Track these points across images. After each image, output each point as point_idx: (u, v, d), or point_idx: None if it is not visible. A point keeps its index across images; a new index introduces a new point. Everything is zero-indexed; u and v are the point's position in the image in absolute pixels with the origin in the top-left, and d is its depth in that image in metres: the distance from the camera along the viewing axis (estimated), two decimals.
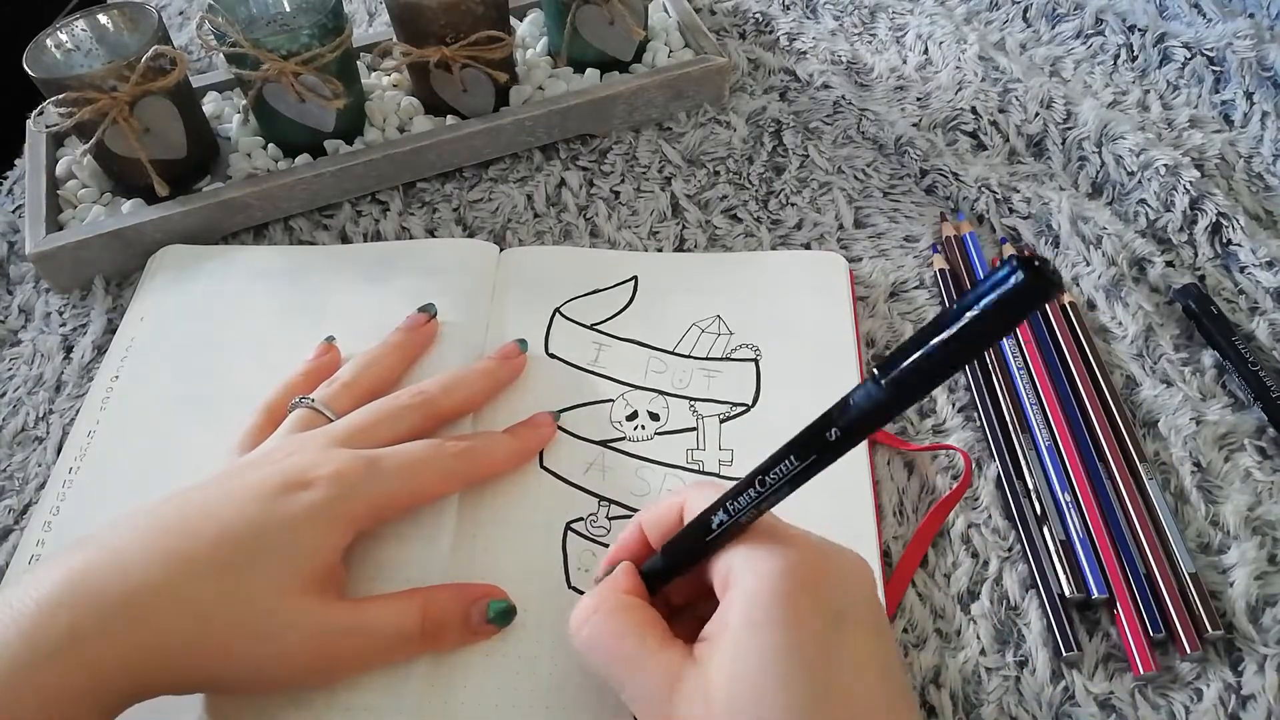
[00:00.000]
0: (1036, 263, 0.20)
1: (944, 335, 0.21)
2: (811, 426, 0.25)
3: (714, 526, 0.29)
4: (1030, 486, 0.40)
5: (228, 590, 0.31)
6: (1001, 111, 0.57)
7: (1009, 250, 0.49)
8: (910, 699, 0.29)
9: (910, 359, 0.22)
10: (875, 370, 0.23)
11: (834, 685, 0.26)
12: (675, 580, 0.32)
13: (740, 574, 0.28)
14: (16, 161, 0.59)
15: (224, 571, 0.31)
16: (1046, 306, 0.46)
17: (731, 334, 0.46)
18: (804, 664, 0.26)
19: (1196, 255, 0.49)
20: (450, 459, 0.37)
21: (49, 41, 0.51)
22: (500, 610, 0.35)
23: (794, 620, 0.27)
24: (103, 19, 0.52)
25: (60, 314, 0.51)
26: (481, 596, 0.35)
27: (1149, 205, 0.51)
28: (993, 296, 0.20)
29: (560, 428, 0.42)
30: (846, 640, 0.27)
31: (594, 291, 0.48)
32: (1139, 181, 0.52)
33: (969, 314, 0.21)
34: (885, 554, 0.38)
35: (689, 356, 0.45)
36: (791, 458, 0.26)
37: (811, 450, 0.25)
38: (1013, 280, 0.20)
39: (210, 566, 0.31)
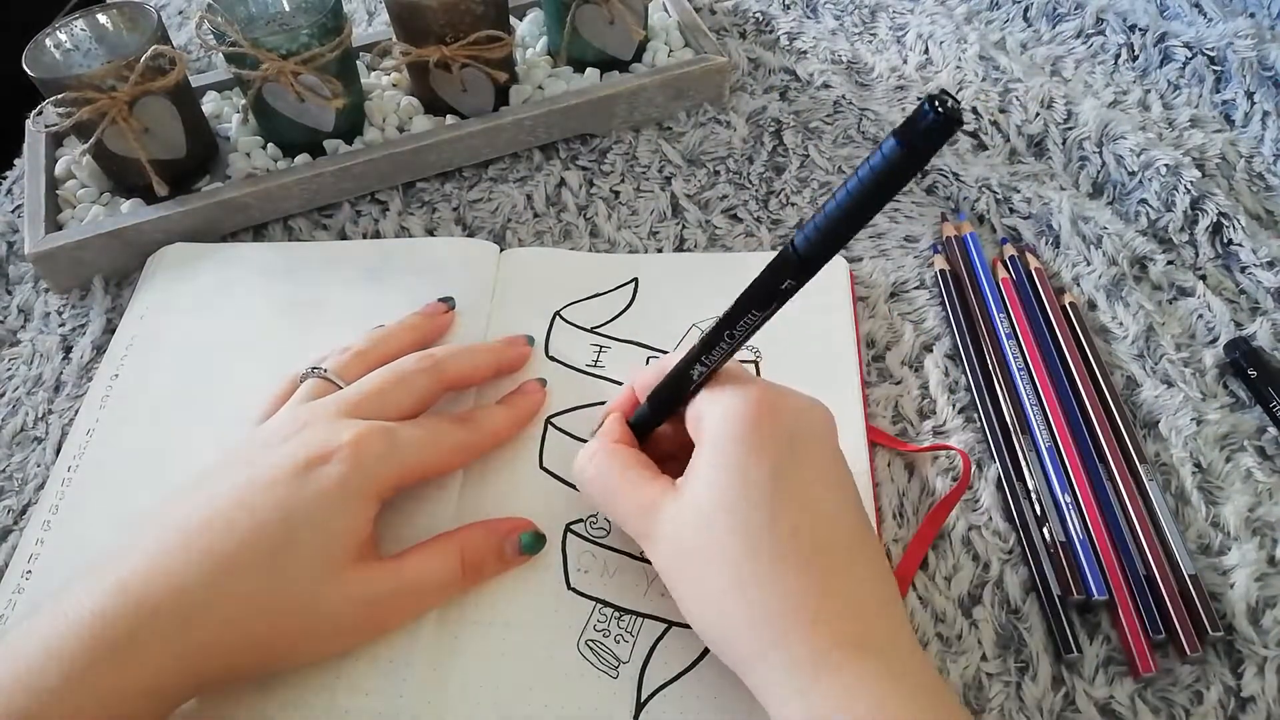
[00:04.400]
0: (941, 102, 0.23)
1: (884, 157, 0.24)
2: (764, 281, 0.30)
3: (694, 377, 0.33)
4: (1030, 488, 0.40)
5: (272, 582, 0.31)
6: (1002, 111, 0.57)
7: (1010, 250, 0.49)
8: (858, 508, 0.32)
9: (848, 187, 0.26)
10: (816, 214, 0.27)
11: (794, 490, 0.30)
12: (661, 433, 0.37)
13: (709, 411, 0.33)
14: (16, 161, 0.59)
15: (263, 564, 0.31)
16: (1047, 306, 0.46)
17: None
18: (768, 473, 0.30)
19: (1197, 255, 0.49)
20: (460, 429, 0.38)
21: (48, 41, 0.51)
22: (530, 540, 0.37)
23: (757, 440, 0.31)
24: (102, 19, 0.52)
25: (59, 314, 0.51)
26: (511, 530, 0.37)
27: (1150, 205, 0.51)
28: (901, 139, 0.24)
29: (560, 429, 0.42)
30: (803, 457, 0.31)
31: (594, 295, 0.48)
32: (1140, 181, 0.52)
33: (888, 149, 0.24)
34: (886, 556, 0.38)
35: None
36: (754, 312, 0.30)
37: (770, 301, 0.30)
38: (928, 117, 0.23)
39: (251, 561, 0.31)
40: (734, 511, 0.30)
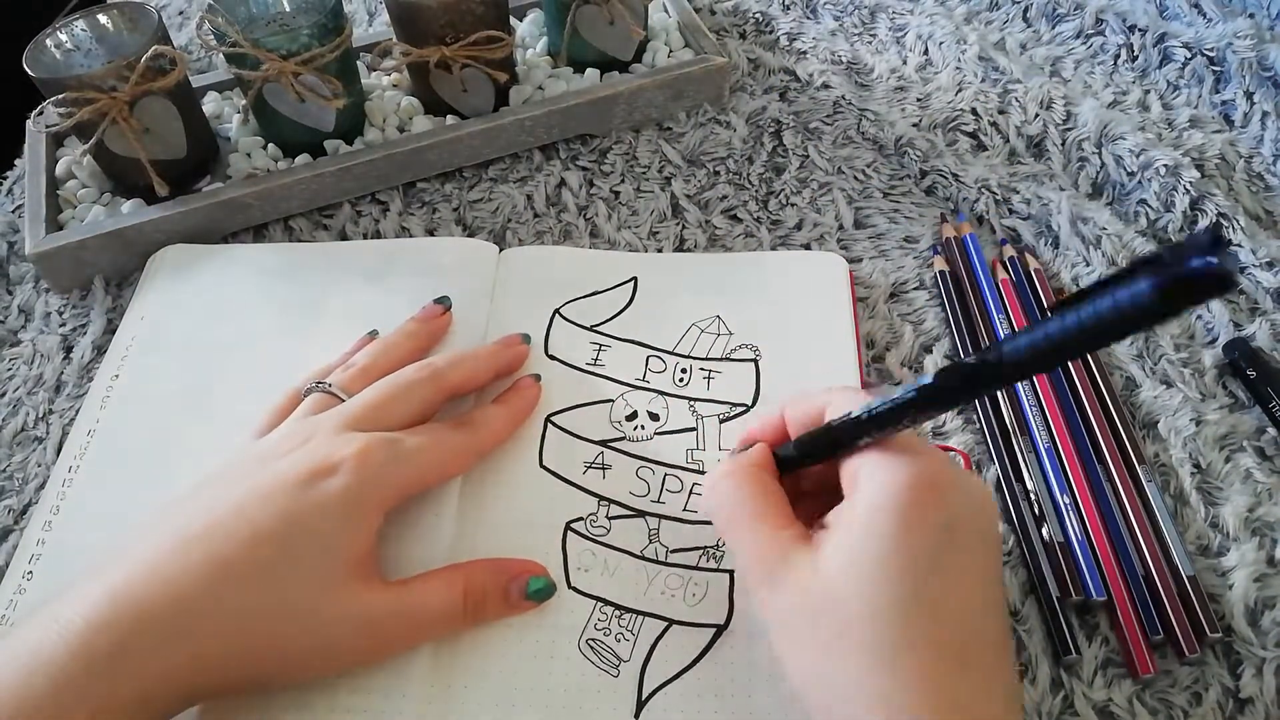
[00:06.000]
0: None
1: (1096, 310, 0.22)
2: (958, 380, 0.27)
3: (857, 444, 0.31)
4: (1029, 489, 0.40)
5: (269, 592, 0.31)
6: (1001, 112, 0.57)
7: (1009, 251, 0.49)
8: (1003, 612, 0.31)
9: (1080, 316, 0.22)
10: (1049, 309, 0.24)
11: (937, 588, 0.28)
12: (807, 470, 0.34)
13: (867, 478, 0.30)
14: (16, 161, 0.59)
15: (263, 573, 0.31)
16: (1046, 307, 0.46)
17: (731, 334, 0.46)
18: (919, 557, 0.28)
19: None
20: (460, 433, 0.38)
21: (49, 41, 0.51)
22: (539, 588, 0.36)
23: (915, 519, 0.29)
24: (103, 19, 0.52)
25: (60, 314, 0.51)
26: (520, 573, 0.36)
27: (1149, 205, 0.51)
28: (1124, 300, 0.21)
29: (560, 427, 0.42)
30: (959, 547, 0.29)
31: (594, 293, 0.48)
32: (1139, 182, 0.52)
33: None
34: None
35: (689, 356, 0.45)
36: (940, 406, 0.28)
37: (960, 401, 0.28)
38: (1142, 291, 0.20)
39: (249, 570, 0.31)
40: (874, 588, 0.28)
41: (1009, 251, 0.49)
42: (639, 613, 0.37)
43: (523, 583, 0.36)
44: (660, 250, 0.51)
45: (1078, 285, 0.48)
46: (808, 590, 0.29)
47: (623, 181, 0.55)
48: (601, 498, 0.40)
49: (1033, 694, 0.35)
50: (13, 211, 0.56)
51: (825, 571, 0.29)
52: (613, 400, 0.43)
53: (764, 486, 0.33)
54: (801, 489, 0.35)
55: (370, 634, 0.33)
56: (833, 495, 0.32)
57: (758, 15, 0.67)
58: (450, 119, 0.56)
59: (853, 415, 0.31)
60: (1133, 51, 0.62)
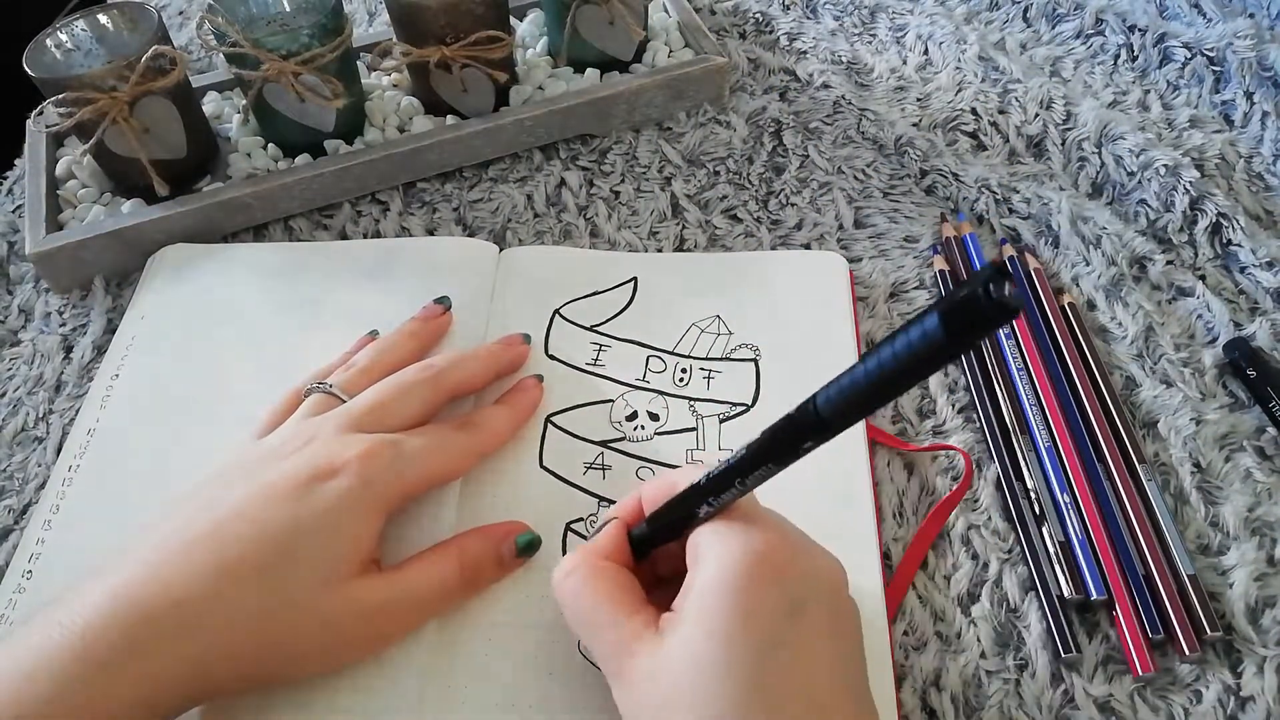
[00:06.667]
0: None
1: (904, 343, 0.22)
2: (783, 435, 0.26)
3: (699, 514, 0.30)
4: (1030, 488, 0.40)
5: (271, 593, 0.31)
6: (1001, 112, 0.57)
7: (1009, 251, 0.49)
8: (868, 701, 0.29)
9: (880, 358, 0.22)
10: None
11: (778, 676, 0.27)
12: (664, 551, 0.33)
13: (705, 554, 0.29)
14: (16, 161, 0.59)
15: (265, 575, 0.31)
16: (1046, 306, 0.46)
17: (731, 334, 0.46)
18: (750, 652, 0.27)
19: (1197, 255, 0.49)
20: (462, 434, 0.38)
21: (49, 41, 0.51)
22: (526, 542, 0.37)
23: (747, 609, 0.27)
24: (103, 19, 0.52)
25: (60, 314, 0.51)
26: (507, 535, 0.37)
27: (1149, 205, 0.51)
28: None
29: (560, 428, 0.42)
30: (802, 629, 0.28)
31: (594, 293, 0.48)
32: (1139, 182, 0.52)
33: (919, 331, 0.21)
34: (886, 556, 0.38)
35: (689, 356, 0.45)
36: (769, 464, 0.27)
37: (788, 457, 0.27)
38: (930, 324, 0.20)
39: (251, 571, 0.31)
40: (714, 678, 0.27)
41: (1009, 251, 0.49)
42: None
43: (511, 543, 0.37)
44: (660, 250, 0.52)
45: (1078, 285, 0.48)
46: (653, 681, 0.28)
47: (623, 181, 0.55)
48: (601, 498, 0.40)
49: (1033, 687, 0.35)
50: (13, 211, 0.56)
51: (668, 660, 0.28)
52: (613, 400, 0.43)
53: (609, 576, 0.31)
54: (659, 574, 0.34)
55: (375, 623, 0.33)
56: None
57: (758, 15, 0.67)
58: (450, 119, 0.56)
59: (696, 482, 0.30)
60: (1133, 51, 0.62)
